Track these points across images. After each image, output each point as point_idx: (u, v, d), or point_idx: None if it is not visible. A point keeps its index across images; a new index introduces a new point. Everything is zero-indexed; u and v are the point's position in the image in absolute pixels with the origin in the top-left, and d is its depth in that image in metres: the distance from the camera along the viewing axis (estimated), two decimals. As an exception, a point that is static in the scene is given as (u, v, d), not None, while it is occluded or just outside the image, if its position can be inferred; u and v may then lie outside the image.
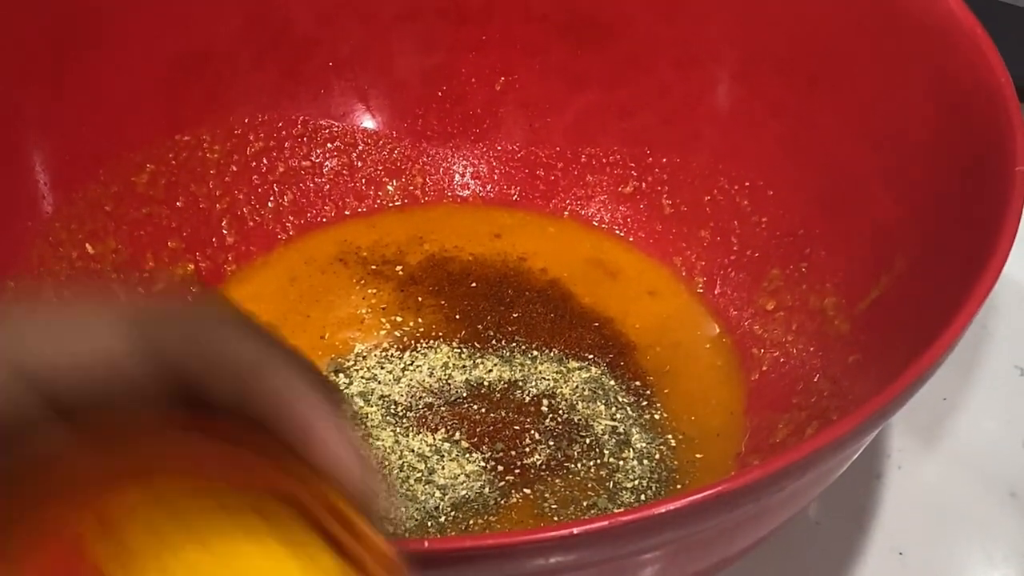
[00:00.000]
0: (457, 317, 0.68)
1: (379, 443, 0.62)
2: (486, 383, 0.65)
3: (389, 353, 0.66)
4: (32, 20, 0.64)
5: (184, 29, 0.69)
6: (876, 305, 0.59)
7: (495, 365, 0.66)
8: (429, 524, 0.59)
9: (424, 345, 0.67)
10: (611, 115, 0.72)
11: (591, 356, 0.66)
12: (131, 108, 0.68)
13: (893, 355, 0.54)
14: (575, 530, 0.41)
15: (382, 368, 0.66)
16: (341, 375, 0.65)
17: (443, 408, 0.64)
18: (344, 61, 0.73)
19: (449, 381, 0.65)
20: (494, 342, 0.67)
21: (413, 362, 0.66)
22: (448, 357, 0.66)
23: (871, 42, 0.63)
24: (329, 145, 0.74)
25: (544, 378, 0.65)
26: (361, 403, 0.64)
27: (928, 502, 0.64)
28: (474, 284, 0.70)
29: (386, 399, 0.64)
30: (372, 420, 0.63)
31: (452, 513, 0.59)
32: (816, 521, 0.62)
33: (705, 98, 0.70)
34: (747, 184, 0.68)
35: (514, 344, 0.67)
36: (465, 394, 0.64)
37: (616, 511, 0.59)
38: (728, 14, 0.68)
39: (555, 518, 0.59)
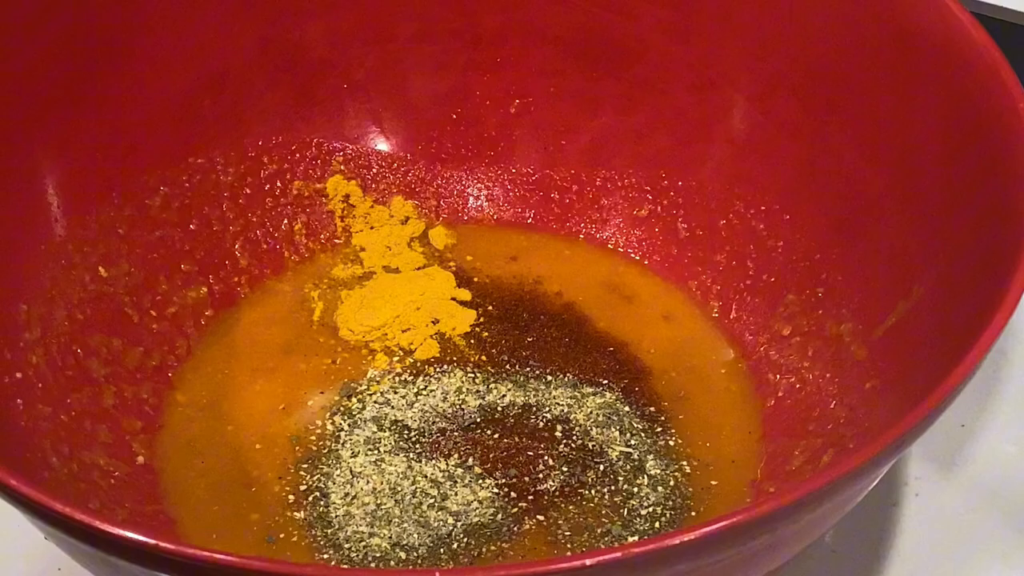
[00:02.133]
0: (472, 341, 0.68)
1: (392, 468, 0.61)
2: (500, 408, 0.65)
3: (402, 377, 0.66)
4: (46, 43, 0.63)
5: (198, 52, 0.69)
6: (893, 331, 0.58)
7: (509, 390, 0.65)
8: (441, 551, 0.58)
9: (438, 369, 0.67)
10: (626, 138, 0.72)
11: (606, 381, 0.66)
12: (145, 131, 0.68)
13: (911, 382, 0.53)
14: (588, 561, 0.41)
15: (395, 393, 0.65)
16: (354, 399, 0.65)
17: (456, 433, 0.63)
18: (358, 83, 0.73)
19: (463, 406, 0.65)
20: (508, 366, 0.67)
21: (426, 386, 0.66)
22: (462, 381, 0.66)
23: (887, 65, 0.62)
24: (343, 167, 0.73)
25: (558, 403, 0.65)
26: (374, 428, 0.63)
27: (946, 530, 0.63)
28: (490, 307, 0.70)
29: (399, 424, 0.64)
30: (385, 446, 0.63)
31: (465, 540, 0.59)
32: (832, 549, 0.62)
33: (721, 121, 0.69)
34: (763, 208, 0.68)
35: (528, 368, 0.66)
36: (479, 419, 0.64)
37: (630, 540, 0.59)
38: (744, 37, 0.68)
39: (568, 545, 0.59)
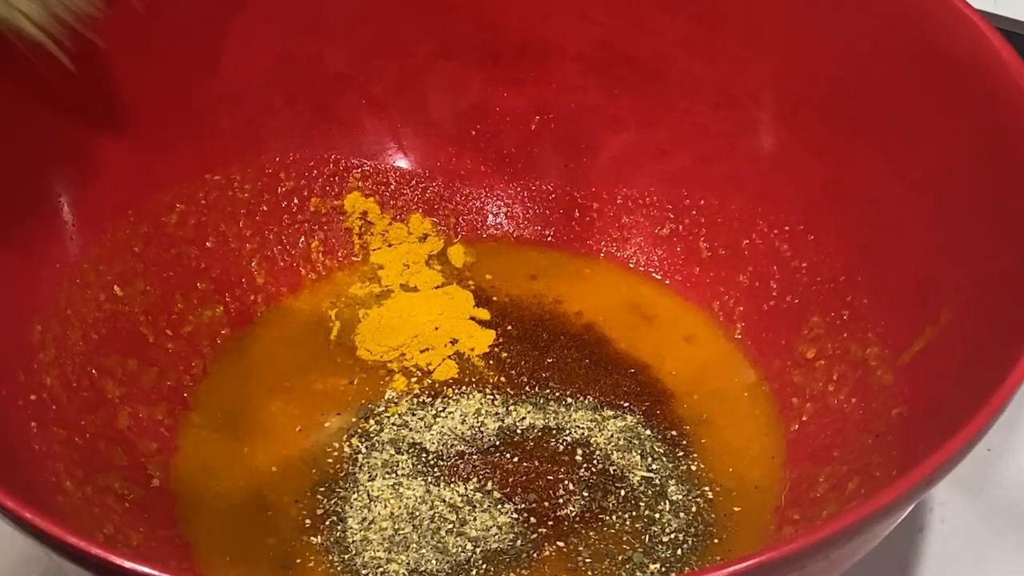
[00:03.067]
0: (491, 362, 0.67)
1: (410, 492, 0.61)
2: (519, 431, 0.64)
3: (420, 399, 0.65)
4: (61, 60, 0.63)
5: (215, 67, 0.68)
6: (921, 356, 0.57)
7: (528, 412, 0.65)
8: (460, 579, 0.58)
9: (456, 391, 0.66)
10: (648, 156, 0.71)
11: (627, 404, 0.65)
12: (161, 147, 0.67)
13: (939, 410, 0.53)
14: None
15: (413, 415, 0.64)
16: (371, 421, 0.64)
17: (475, 457, 0.63)
18: (377, 99, 0.72)
19: (481, 428, 0.64)
20: (528, 388, 0.66)
21: (445, 408, 0.65)
22: (480, 403, 0.65)
23: (914, 83, 0.61)
24: (361, 184, 0.73)
25: (579, 426, 0.64)
26: (392, 451, 0.63)
27: (973, 556, 0.62)
28: (510, 327, 0.69)
29: (417, 446, 0.63)
30: (403, 469, 0.62)
31: (483, 566, 0.58)
32: (857, 577, 0.61)
33: (744, 139, 0.69)
34: (787, 228, 0.67)
35: (548, 391, 0.66)
36: (498, 442, 0.63)
37: (651, 567, 0.58)
38: (768, 55, 0.67)
39: (589, 573, 0.58)
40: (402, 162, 0.73)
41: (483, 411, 0.65)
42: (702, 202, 0.70)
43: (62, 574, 0.60)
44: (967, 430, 0.45)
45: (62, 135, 0.63)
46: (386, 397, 0.65)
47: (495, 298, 0.71)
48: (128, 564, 0.42)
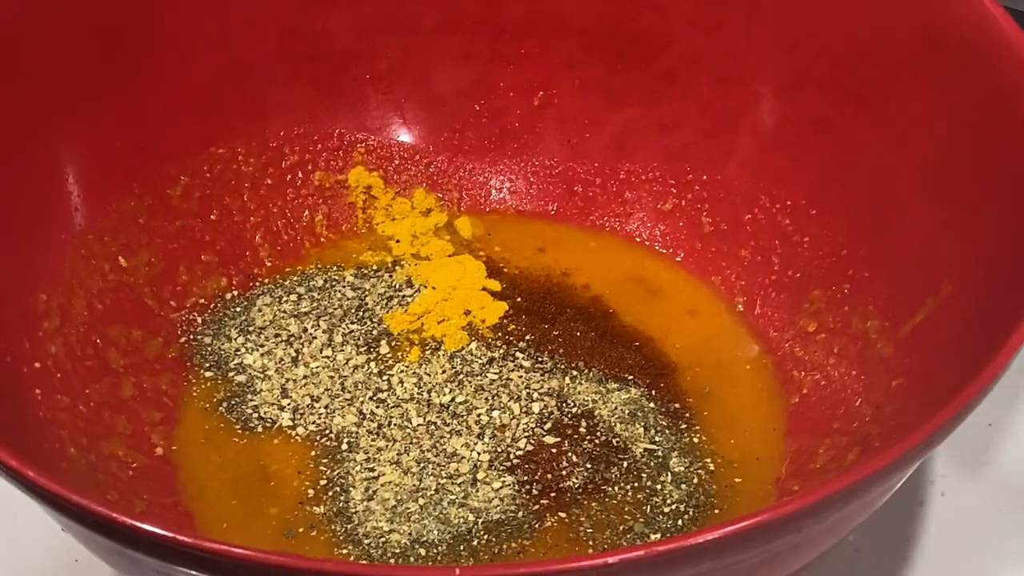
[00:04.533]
0: (499, 333, 0.67)
1: (413, 463, 0.61)
2: (523, 403, 0.64)
3: (426, 369, 0.65)
4: (68, 33, 0.63)
5: (221, 41, 0.69)
6: (921, 329, 0.57)
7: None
8: (461, 548, 0.58)
9: (464, 362, 0.66)
10: (651, 131, 0.71)
11: (631, 377, 0.65)
12: (167, 120, 0.68)
13: (938, 381, 0.53)
14: (610, 559, 0.40)
15: (419, 387, 0.64)
16: (378, 392, 0.64)
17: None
18: (381, 74, 0.72)
19: (486, 401, 0.64)
20: (535, 360, 0.66)
21: (453, 379, 0.65)
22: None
23: (917, 58, 0.61)
24: (365, 158, 0.73)
25: (583, 398, 0.64)
26: (398, 422, 0.63)
27: (972, 530, 0.62)
28: (519, 299, 0.69)
29: (423, 419, 0.63)
30: (407, 440, 0.62)
31: (485, 536, 0.58)
32: (857, 549, 0.61)
33: (747, 115, 0.69)
34: (789, 203, 0.67)
35: (554, 362, 0.66)
36: (502, 414, 0.64)
37: (652, 538, 0.58)
38: (771, 30, 0.67)
39: (590, 543, 0.58)
40: (406, 137, 0.73)
41: (489, 383, 0.65)
42: (704, 177, 0.71)
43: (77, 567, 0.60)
44: (961, 398, 0.45)
45: (68, 108, 0.64)
46: (395, 369, 0.65)
47: (505, 269, 0.71)
48: (131, 522, 0.42)
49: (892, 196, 0.62)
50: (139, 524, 0.42)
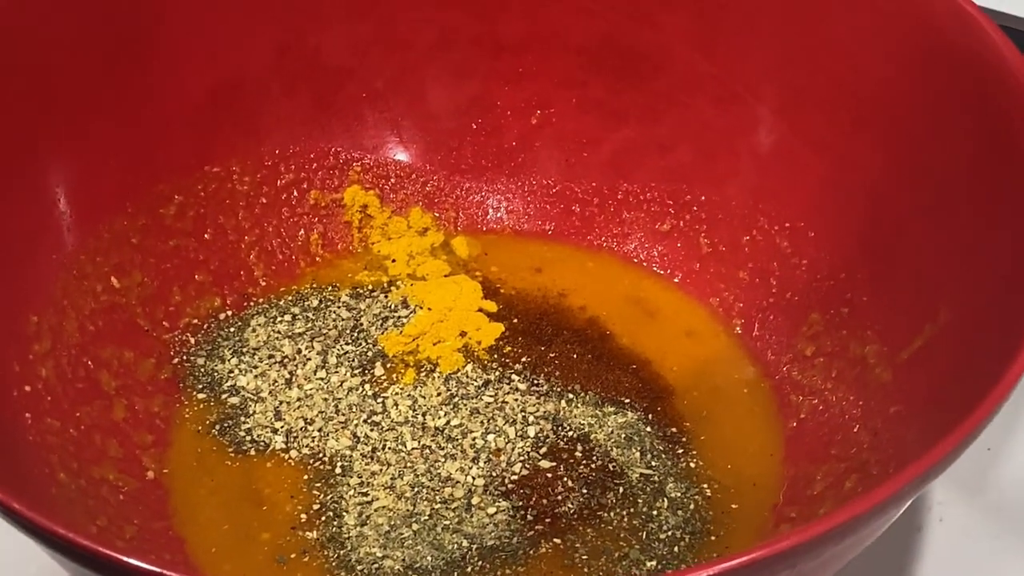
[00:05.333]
0: (495, 355, 0.67)
1: (407, 488, 0.60)
2: (518, 426, 0.64)
3: (422, 391, 0.65)
4: (59, 50, 0.63)
5: (214, 58, 0.68)
6: (920, 354, 0.57)
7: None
8: (455, 574, 0.57)
9: (459, 385, 0.65)
10: (648, 151, 0.71)
11: (628, 400, 0.65)
12: (160, 139, 0.67)
13: (937, 408, 0.52)
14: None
15: (414, 409, 0.64)
16: (372, 415, 0.64)
17: (473, 452, 0.62)
18: (377, 92, 0.72)
19: (481, 424, 0.64)
20: (531, 384, 0.65)
21: (448, 402, 0.64)
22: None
23: (916, 80, 0.61)
24: (361, 177, 0.72)
25: (579, 422, 0.63)
26: (391, 447, 0.62)
27: (971, 556, 0.62)
28: (515, 320, 0.69)
29: (415, 442, 0.63)
30: (400, 465, 0.61)
31: (479, 563, 0.58)
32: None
33: (745, 135, 0.68)
34: (787, 225, 0.67)
35: (549, 385, 0.65)
36: (497, 438, 0.63)
37: (648, 565, 0.58)
38: (769, 50, 0.66)
39: (585, 570, 0.58)
40: (402, 155, 0.73)
41: (483, 406, 0.64)
42: (703, 198, 0.70)
43: (58, 569, 0.60)
44: (961, 430, 0.44)
45: (59, 126, 0.63)
46: (390, 391, 0.65)
47: (502, 290, 0.70)
48: (117, 556, 0.42)
49: (890, 218, 0.62)
50: (124, 558, 0.41)
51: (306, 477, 0.62)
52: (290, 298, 0.69)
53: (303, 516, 0.60)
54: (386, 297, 0.69)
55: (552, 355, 0.67)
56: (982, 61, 0.57)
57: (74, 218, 0.64)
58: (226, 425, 0.64)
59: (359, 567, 0.58)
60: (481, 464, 0.62)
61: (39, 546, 0.46)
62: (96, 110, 0.65)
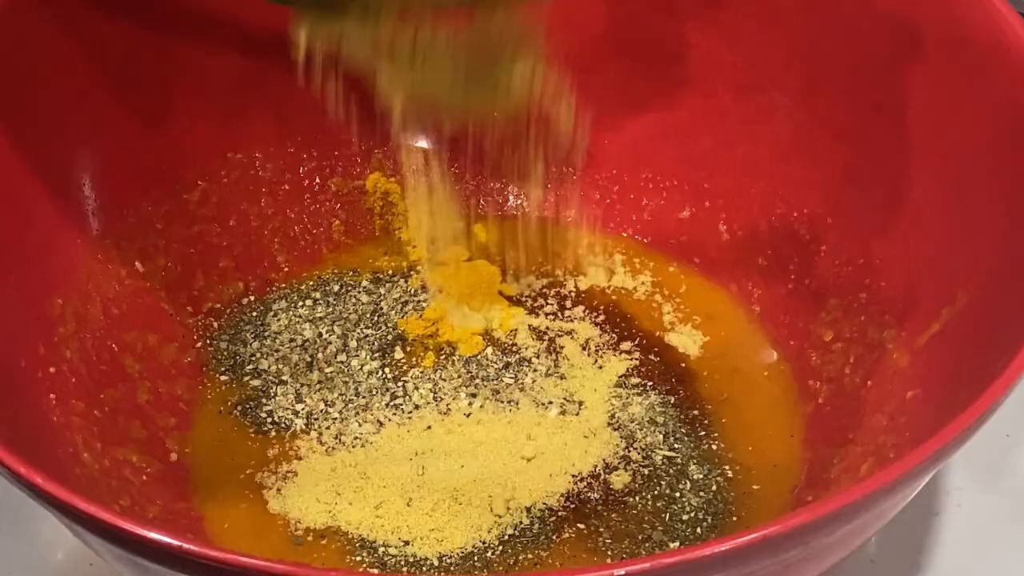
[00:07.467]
0: (516, 338, 0.67)
1: (430, 472, 0.61)
2: (541, 411, 0.64)
3: (443, 375, 0.65)
4: (87, 39, 0.63)
5: (239, 47, 0.69)
6: (937, 339, 0.57)
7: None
8: (476, 559, 0.57)
9: (481, 368, 0.66)
10: (668, 138, 0.71)
11: (650, 383, 0.65)
12: (185, 126, 0.68)
13: (953, 393, 0.52)
14: (616, 572, 0.40)
15: (435, 393, 0.64)
16: (395, 398, 0.64)
17: (498, 437, 0.63)
18: (400, 79, 0.72)
19: (505, 408, 0.64)
20: (552, 367, 0.66)
21: (469, 386, 0.65)
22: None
23: (935, 66, 0.61)
24: (383, 165, 0.73)
25: (601, 405, 0.64)
26: (416, 429, 0.63)
27: (988, 541, 0.62)
28: (535, 303, 0.69)
29: (439, 426, 0.63)
30: (421, 449, 0.62)
31: (500, 548, 0.58)
32: (872, 559, 0.61)
33: (765, 123, 0.68)
34: (806, 211, 0.67)
35: (571, 370, 0.66)
36: (521, 422, 0.63)
37: (671, 546, 0.58)
38: (790, 38, 0.66)
39: (608, 553, 0.58)
40: (423, 142, 0.73)
41: (506, 390, 0.65)
42: (722, 185, 0.70)
43: (84, 555, 0.60)
44: (970, 412, 0.44)
45: (86, 112, 0.64)
46: (410, 375, 0.65)
47: (521, 274, 0.71)
48: (140, 531, 0.42)
49: (908, 204, 0.62)
50: (145, 532, 0.42)
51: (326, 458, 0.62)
52: (311, 283, 0.70)
53: (324, 498, 0.61)
54: (406, 282, 0.70)
55: (572, 338, 0.67)
56: (1001, 47, 0.58)
57: (99, 203, 0.64)
58: (248, 406, 0.64)
59: (381, 549, 0.58)
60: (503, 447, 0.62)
61: (61, 522, 0.47)
62: (122, 98, 0.65)
